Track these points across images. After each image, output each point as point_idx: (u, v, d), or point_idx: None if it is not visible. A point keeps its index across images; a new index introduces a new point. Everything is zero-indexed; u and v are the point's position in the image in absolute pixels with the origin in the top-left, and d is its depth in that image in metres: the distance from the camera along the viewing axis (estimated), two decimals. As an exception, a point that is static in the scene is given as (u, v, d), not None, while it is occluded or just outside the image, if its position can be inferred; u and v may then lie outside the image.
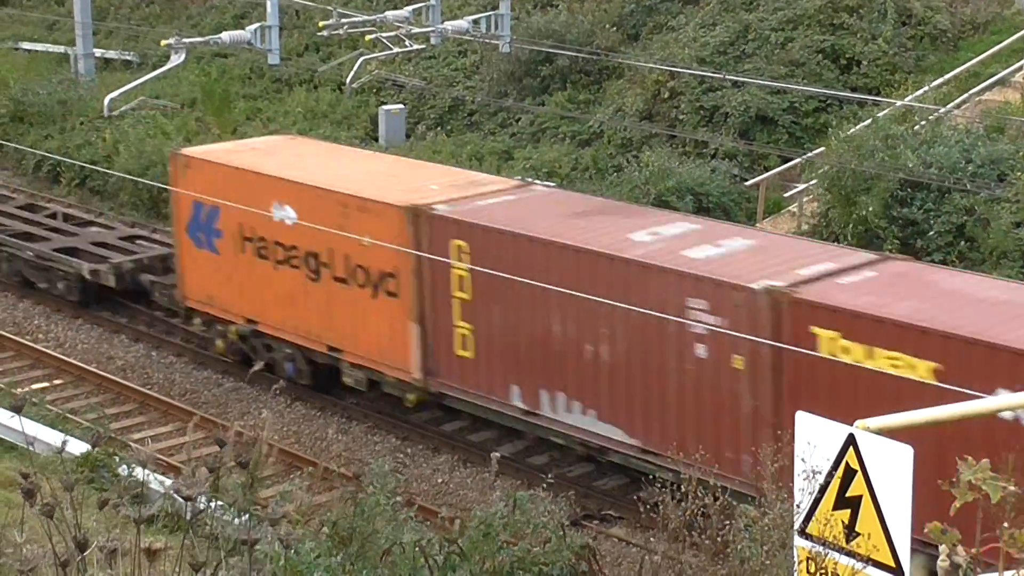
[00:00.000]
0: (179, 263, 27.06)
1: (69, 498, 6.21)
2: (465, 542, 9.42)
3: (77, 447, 16.80)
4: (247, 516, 7.48)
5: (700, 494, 8.41)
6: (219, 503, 7.88)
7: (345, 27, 34.72)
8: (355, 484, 10.68)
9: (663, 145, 32.96)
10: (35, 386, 25.83)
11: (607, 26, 37.82)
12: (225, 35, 33.09)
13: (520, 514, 9.95)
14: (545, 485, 11.27)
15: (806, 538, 6.88)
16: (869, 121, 29.66)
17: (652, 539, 9.45)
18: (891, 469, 6.47)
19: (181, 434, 23.92)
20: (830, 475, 6.69)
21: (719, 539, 8.31)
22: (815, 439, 6.77)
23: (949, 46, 34.48)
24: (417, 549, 9.04)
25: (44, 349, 28.07)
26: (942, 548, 5.08)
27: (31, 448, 11.47)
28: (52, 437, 16.60)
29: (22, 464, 16.27)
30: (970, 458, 5.21)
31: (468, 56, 40.14)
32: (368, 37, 35.23)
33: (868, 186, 27.09)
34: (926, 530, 5.17)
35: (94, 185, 36.93)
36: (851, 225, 27.06)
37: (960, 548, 5.07)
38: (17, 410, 7.10)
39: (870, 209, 26.69)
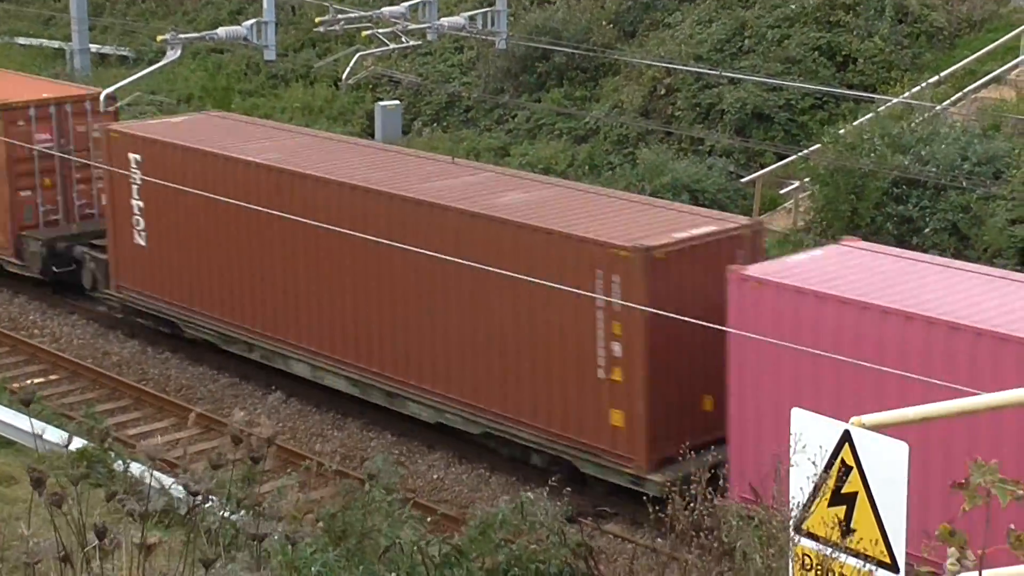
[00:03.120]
0: None
1: (75, 491, 6.23)
2: (464, 541, 9.44)
3: (72, 443, 16.78)
4: (252, 512, 7.48)
5: (709, 496, 8.44)
6: (219, 499, 7.89)
7: (341, 23, 34.63)
8: (353, 479, 10.70)
9: (659, 142, 32.95)
10: (29, 381, 25.82)
11: (604, 23, 37.82)
12: (221, 31, 32.94)
13: (520, 513, 9.96)
14: (546, 484, 11.28)
15: (802, 535, 6.89)
16: (866, 118, 29.64)
17: (659, 539, 9.45)
18: (887, 465, 6.47)
19: (177, 429, 23.92)
20: (825, 472, 6.68)
21: (725, 541, 8.33)
22: (810, 435, 6.76)
23: (946, 44, 34.50)
24: (416, 548, 9.05)
25: (40, 344, 28.06)
26: (951, 551, 5.02)
27: (30, 443, 11.47)
28: (52, 433, 16.59)
29: (18, 460, 16.29)
30: (979, 458, 5.16)
31: (464, 52, 40.13)
32: (364, 33, 35.14)
33: (862, 184, 27.09)
34: (936, 533, 5.10)
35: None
36: (843, 222, 27.07)
37: (969, 552, 5.01)
38: (26, 403, 7.11)
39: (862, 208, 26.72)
